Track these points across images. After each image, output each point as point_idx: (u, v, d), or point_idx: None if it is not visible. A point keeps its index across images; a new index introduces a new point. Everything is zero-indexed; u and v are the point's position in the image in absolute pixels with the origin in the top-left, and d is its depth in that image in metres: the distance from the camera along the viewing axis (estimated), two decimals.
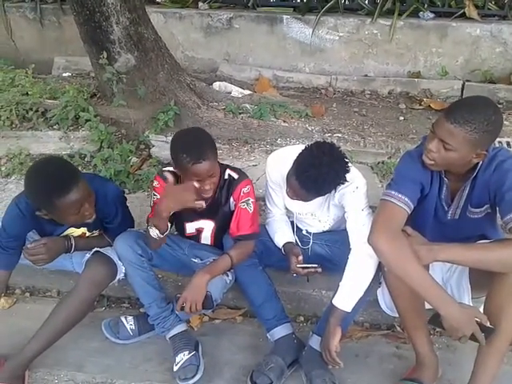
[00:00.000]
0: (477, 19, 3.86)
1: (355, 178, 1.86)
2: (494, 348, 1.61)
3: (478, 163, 1.62)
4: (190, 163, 1.76)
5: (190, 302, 1.81)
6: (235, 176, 1.97)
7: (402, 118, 3.52)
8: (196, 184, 1.80)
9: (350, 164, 1.79)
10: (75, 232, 2.01)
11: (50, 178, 1.73)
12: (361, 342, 2.11)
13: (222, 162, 2.03)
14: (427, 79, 3.92)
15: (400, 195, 1.63)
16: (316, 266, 1.94)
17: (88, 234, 2.04)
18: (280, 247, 2.04)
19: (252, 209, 1.95)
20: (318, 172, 1.69)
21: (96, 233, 2.06)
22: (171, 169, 1.97)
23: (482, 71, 3.86)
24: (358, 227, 1.80)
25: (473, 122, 1.49)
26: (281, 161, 1.92)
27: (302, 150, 1.76)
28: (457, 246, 1.55)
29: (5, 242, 1.93)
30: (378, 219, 1.64)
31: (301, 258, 1.94)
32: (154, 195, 1.97)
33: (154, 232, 1.84)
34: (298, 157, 1.76)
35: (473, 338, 1.55)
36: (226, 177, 1.97)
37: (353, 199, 1.85)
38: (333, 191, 1.85)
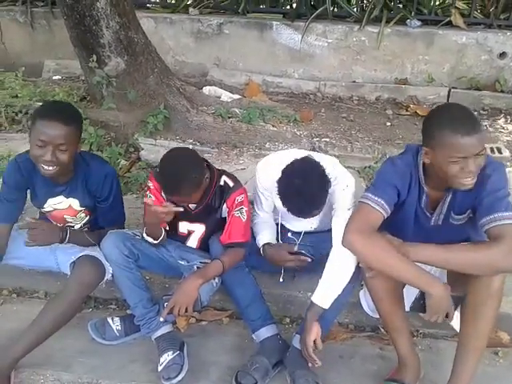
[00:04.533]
0: (463, 27, 3.93)
1: (346, 177, 1.91)
2: (471, 347, 1.65)
3: None
4: (165, 191, 1.87)
5: (180, 306, 1.82)
6: (230, 184, 1.99)
7: (388, 123, 3.58)
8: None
9: (326, 167, 1.83)
10: (62, 203, 2.02)
11: (52, 105, 1.95)
12: (345, 344, 2.13)
13: (218, 168, 2.07)
14: (414, 86, 3.99)
15: (376, 198, 1.66)
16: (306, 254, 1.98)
17: (77, 208, 2.04)
18: (259, 246, 2.05)
19: (245, 217, 1.97)
20: (304, 196, 1.74)
21: (82, 212, 2.06)
22: None
23: (467, 78, 3.94)
24: (342, 225, 1.82)
25: (480, 123, 1.57)
26: (271, 167, 1.96)
27: (279, 181, 1.80)
28: (432, 247, 1.58)
29: (4, 193, 1.98)
30: (352, 220, 1.66)
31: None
32: (150, 197, 1.98)
33: (149, 239, 1.95)
34: (279, 190, 1.80)
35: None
36: (222, 183, 1.99)
37: (341, 197, 1.88)
38: None
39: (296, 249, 2.00)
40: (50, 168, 1.83)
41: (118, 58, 3.12)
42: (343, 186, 1.88)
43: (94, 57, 3.04)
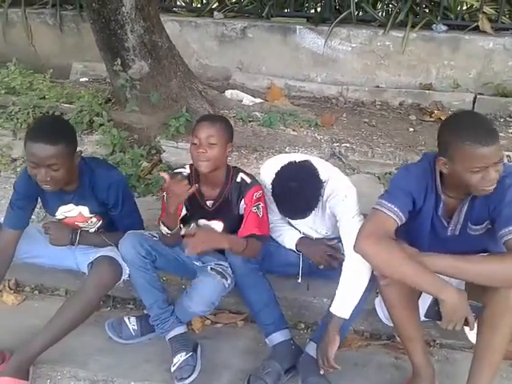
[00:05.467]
0: (490, 33, 3.86)
1: (344, 186, 1.92)
2: (487, 360, 1.62)
3: None
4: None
5: (198, 241, 1.82)
6: (248, 180, 2.02)
7: (411, 129, 3.53)
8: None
9: (319, 172, 1.88)
10: (73, 210, 2.06)
11: (42, 123, 1.92)
12: (360, 351, 2.12)
13: (234, 166, 2.11)
14: (439, 91, 3.92)
15: (390, 205, 1.65)
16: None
17: (87, 215, 2.07)
18: (292, 246, 2.08)
19: (261, 213, 1.99)
20: (294, 199, 1.79)
21: (94, 217, 2.09)
22: (181, 170, 2.06)
23: (494, 84, 3.86)
24: (350, 234, 1.82)
25: (496, 130, 1.55)
26: (269, 170, 1.98)
27: (272, 183, 1.86)
28: (447, 258, 1.55)
29: (14, 200, 2.03)
30: (365, 227, 1.65)
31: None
32: (164, 195, 2.02)
33: (163, 229, 1.94)
34: (272, 191, 1.87)
35: (465, 322, 1.56)
36: (239, 180, 2.02)
37: (343, 208, 1.89)
38: (325, 203, 1.92)
39: (335, 242, 2.04)
40: (47, 186, 1.87)
41: (142, 62, 3.17)
42: (342, 197, 1.89)
43: (119, 60, 3.10)
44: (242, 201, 2.01)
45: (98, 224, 2.14)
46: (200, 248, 1.84)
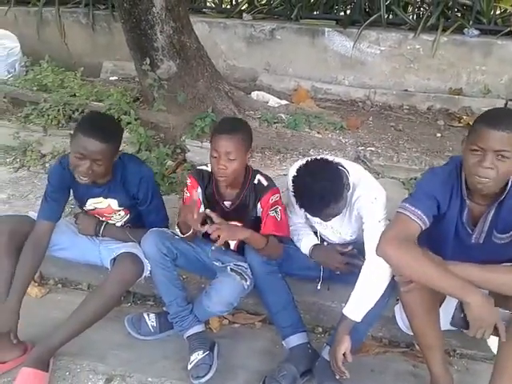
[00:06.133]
0: None
1: (374, 188, 1.89)
2: (508, 373, 1.58)
3: (506, 186, 1.59)
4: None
5: (227, 232, 1.81)
6: (265, 183, 2.01)
7: (439, 134, 3.48)
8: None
9: (341, 166, 1.87)
10: (102, 203, 2.11)
11: (96, 119, 2.03)
12: (378, 358, 2.09)
13: (252, 167, 2.09)
14: (469, 97, 3.86)
15: (414, 209, 1.61)
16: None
17: (116, 208, 2.12)
18: (307, 252, 2.07)
19: (280, 216, 1.98)
20: (317, 195, 1.75)
21: (121, 210, 2.14)
22: (204, 167, 2.07)
23: None
24: (374, 238, 1.80)
25: None
26: (294, 170, 1.96)
27: (293, 180, 1.87)
28: (472, 267, 1.52)
29: (49, 192, 2.08)
30: (388, 231, 1.63)
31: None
32: (186, 193, 2.06)
33: (177, 232, 1.99)
34: (293, 189, 1.87)
35: (495, 331, 1.51)
36: (256, 182, 2.02)
37: (370, 210, 1.86)
38: (353, 204, 1.90)
39: (350, 248, 2.02)
40: (85, 178, 1.93)
41: (171, 62, 3.22)
42: (371, 199, 1.86)
43: (148, 60, 3.15)
44: (259, 204, 2.01)
45: (126, 218, 2.18)
46: (224, 238, 1.81)
